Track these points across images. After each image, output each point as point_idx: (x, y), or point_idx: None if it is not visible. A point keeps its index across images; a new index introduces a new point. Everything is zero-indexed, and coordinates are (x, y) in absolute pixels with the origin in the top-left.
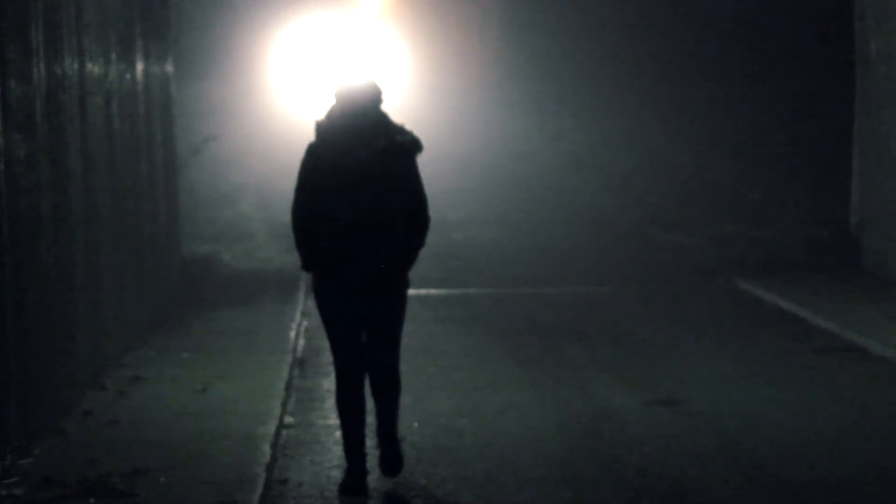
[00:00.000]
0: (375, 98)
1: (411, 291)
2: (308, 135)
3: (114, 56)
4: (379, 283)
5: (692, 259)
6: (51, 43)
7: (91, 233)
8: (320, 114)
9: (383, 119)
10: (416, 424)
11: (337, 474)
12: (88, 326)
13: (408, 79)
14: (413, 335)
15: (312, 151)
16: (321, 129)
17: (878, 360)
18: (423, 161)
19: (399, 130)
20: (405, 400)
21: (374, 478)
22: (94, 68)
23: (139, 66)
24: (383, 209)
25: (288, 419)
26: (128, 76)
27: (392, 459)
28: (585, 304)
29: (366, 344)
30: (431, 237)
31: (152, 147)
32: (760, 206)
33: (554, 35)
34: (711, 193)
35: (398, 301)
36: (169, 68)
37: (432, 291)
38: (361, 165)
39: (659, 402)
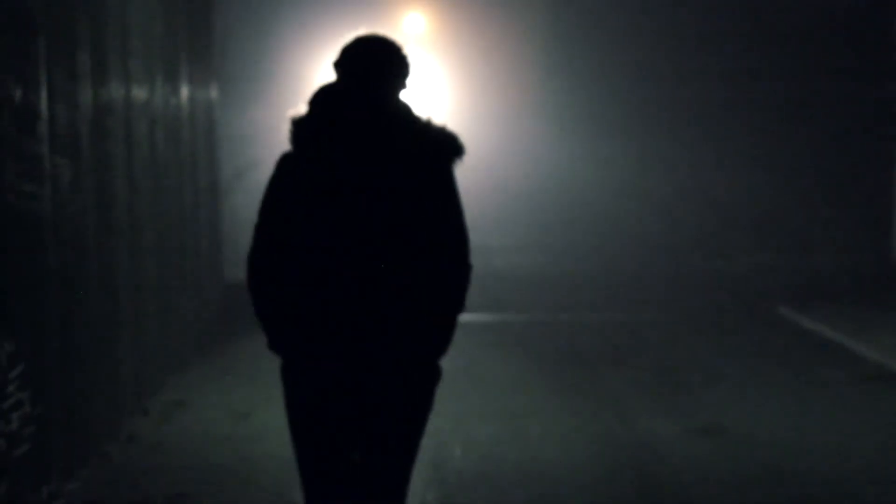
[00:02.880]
0: (395, 66)
1: None
2: None
3: (159, 81)
4: (389, 376)
5: (734, 286)
6: (97, 67)
7: (135, 257)
8: (298, 104)
9: (405, 108)
10: (458, 451)
11: None
12: (132, 351)
13: (449, 105)
14: (454, 359)
15: (284, 166)
16: (300, 127)
17: None
18: (464, 185)
19: (427, 127)
20: (446, 426)
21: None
22: (139, 93)
23: (184, 92)
24: (400, 252)
25: None
26: (173, 101)
27: None
28: (627, 331)
29: (358, 465)
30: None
31: (196, 172)
32: (803, 234)
33: (597, 62)
34: (754, 220)
35: (418, 404)
36: (213, 93)
37: (473, 317)
38: (366, 181)
39: (700, 430)
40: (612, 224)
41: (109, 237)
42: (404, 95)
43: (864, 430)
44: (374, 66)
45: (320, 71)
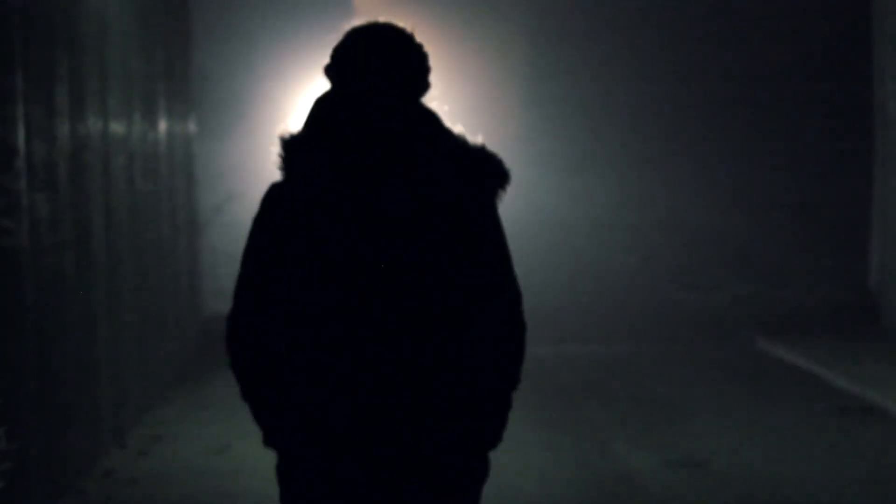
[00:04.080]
0: (411, 62)
1: None
2: None
3: (137, 115)
4: (424, 478)
5: (712, 318)
6: (75, 103)
7: (113, 292)
8: (291, 123)
9: (430, 119)
10: None
11: None
12: (110, 385)
13: None
14: None
15: (275, 201)
16: (294, 150)
17: None
18: None
19: (464, 146)
20: None
21: None
22: (117, 128)
23: (162, 126)
24: (433, 314)
25: None
26: (151, 135)
27: None
28: (605, 363)
29: None
30: None
31: (174, 206)
32: (780, 265)
33: (575, 94)
34: (731, 251)
35: None
36: (192, 127)
37: None
38: (385, 220)
39: (679, 462)
40: (588, 256)
41: (87, 272)
42: (426, 101)
43: (842, 462)
44: (384, 63)
45: (300, 102)
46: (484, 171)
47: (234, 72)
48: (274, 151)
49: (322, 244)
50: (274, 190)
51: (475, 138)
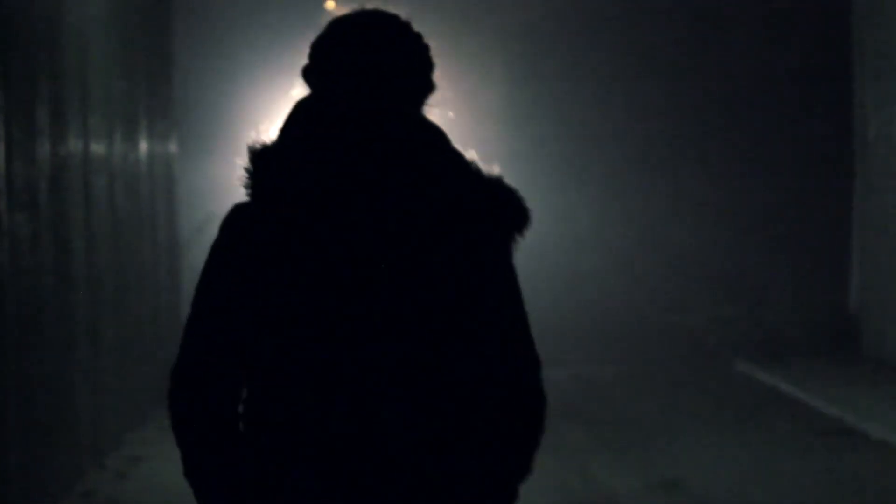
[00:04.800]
0: (409, 57)
1: None
2: None
3: (118, 135)
4: None
5: (692, 340)
6: (56, 123)
7: (94, 312)
8: (261, 133)
9: (434, 135)
10: None
11: None
12: (90, 405)
13: None
14: None
15: (238, 227)
16: (263, 163)
17: (878, 444)
18: None
19: (477, 176)
20: None
21: None
22: (98, 148)
23: (143, 146)
24: (424, 380)
25: None
26: (132, 156)
27: None
28: (585, 385)
29: None
30: None
31: (155, 226)
32: (760, 287)
33: (557, 114)
34: (711, 274)
35: None
36: (173, 147)
37: None
38: (377, 256)
39: (659, 484)
40: (570, 277)
41: (67, 293)
42: (429, 110)
43: (821, 486)
44: (374, 60)
45: (280, 122)
46: (500, 209)
47: (215, 92)
48: (240, 165)
49: (295, 285)
50: (238, 213)
51: (490, 168)
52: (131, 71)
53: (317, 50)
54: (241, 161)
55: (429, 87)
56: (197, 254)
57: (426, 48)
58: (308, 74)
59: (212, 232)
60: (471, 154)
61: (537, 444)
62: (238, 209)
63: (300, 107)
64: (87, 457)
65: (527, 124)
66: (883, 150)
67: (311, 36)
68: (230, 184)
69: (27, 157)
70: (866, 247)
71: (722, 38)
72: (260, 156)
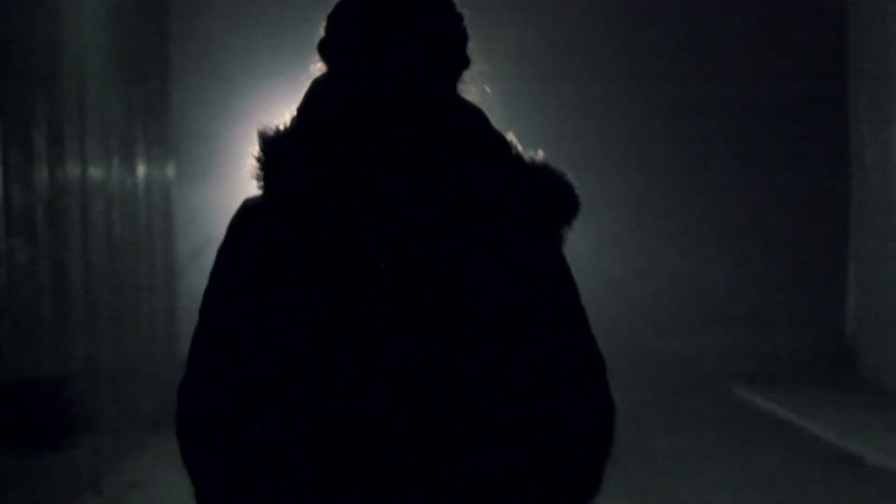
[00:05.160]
0: (443, 28)
1: None
2: None
3: (116, 161)
4: None
5: (689, 366)
6: (54, 148)
7: (91, 337)
8: (273, 118)
9: (474, 113)
10: None
11: None
12: (87, 430)
13: None
14: None
15: (250, 224)
16: (278, 153)
17: (874, 470)
18: None
19: (517, 158)
20: None
21: None
22: (95, 173)
23: (140, 170)
24: (481, 390)
25: None
26: (129, 181)
27: None
28: None
29: None
30: None
31: (152, 251)
32: (757, 313)
33: (554, 137)
34: (708, 300)
35: None
36: (170, 172)
37: None
38: (405, 253)
39: None
40: None
41: (64, 318)
42: (465, 89)
43: None
44: (402, 31)
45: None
46: (549, 198)
47: (212, 117)
48: (252, 155)
49: (318, 290)
50: (249, 210)
51: (534, 152)
52: (129, 96)
53: (334, 20)
54: (252, 150)
55: (464, 62)
56: (194, 278)
57: (460, 18)
58: (325, 49)
59: (209, 256)
60: (510, 136)
61: (610, 448)
62: (250, 207)
63: (317, 87)
64: (83, 482)
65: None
66: (879, 176)
67: (312, 67)
68: (227, 208)
69: (25, 183)
70: (862, 272)
71: (719, 69)
72: (274, 143)
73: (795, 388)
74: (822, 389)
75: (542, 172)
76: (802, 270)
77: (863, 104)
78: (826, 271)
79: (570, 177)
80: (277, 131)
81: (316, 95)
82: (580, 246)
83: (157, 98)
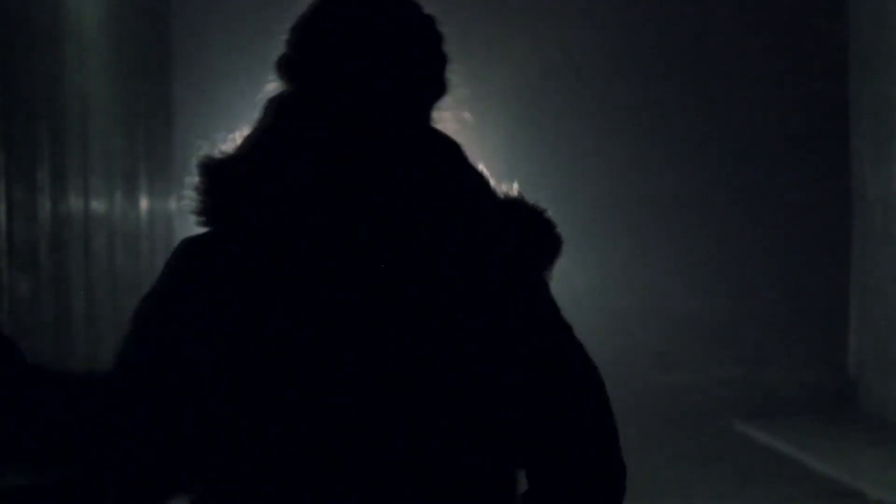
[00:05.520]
0: (420, 48)
1: None
2: None
3: (118, 194)
4: None
5: (690, 400)
6: (57, 182)
7: (94, 368)
8: (218, 142)
9: (449, 145)
10: None
11: None
12: None
13: None
14: None
15: (193, 266)
16: (224, 183)
17: None
18: None
19: (494, 194)
20: None
21: None
22: (98, 206)
23: (143, 204)
24: (458, 464)
25: None
26: (132, 213)
27: None
28: None
29: None
30: None
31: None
32: (759, 348)
33: (548, 173)
34: (709, 334)
35: None
36: (172, 205)
37: None
38: (376, 299)
39: None
40: None
41: (67, 353)
42: (440, 117)
43: None
44: (373, 50)
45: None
46: (531, 238)
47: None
48: (193, 188)
49: (270, 339)
50: (193, 246)
51: (508, 186)
52: (131, 129)
53: (297, 35)
54: (191, 181)
55: (441, 88)
56: None
57: (440, 38)
58: (284, 66)
59: None
60: (481, 168)
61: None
62: (192, 242)
63: (275, 107)
64: None
65: (519, 173)
66: (881, 210)
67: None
68: None
69: (28, 216)
70: (864, 305)
71: (721, 99)
72: (220, 170)
73: (797, 422)
74: (823, 424)
75: (518, 207)
76: (804, 304)
77: (864, 140)
78: (828, 306)
79: (550, 214)
80: (225, 157)
81: (271, 116)
82: (581, 282)
83: (159, 133)
